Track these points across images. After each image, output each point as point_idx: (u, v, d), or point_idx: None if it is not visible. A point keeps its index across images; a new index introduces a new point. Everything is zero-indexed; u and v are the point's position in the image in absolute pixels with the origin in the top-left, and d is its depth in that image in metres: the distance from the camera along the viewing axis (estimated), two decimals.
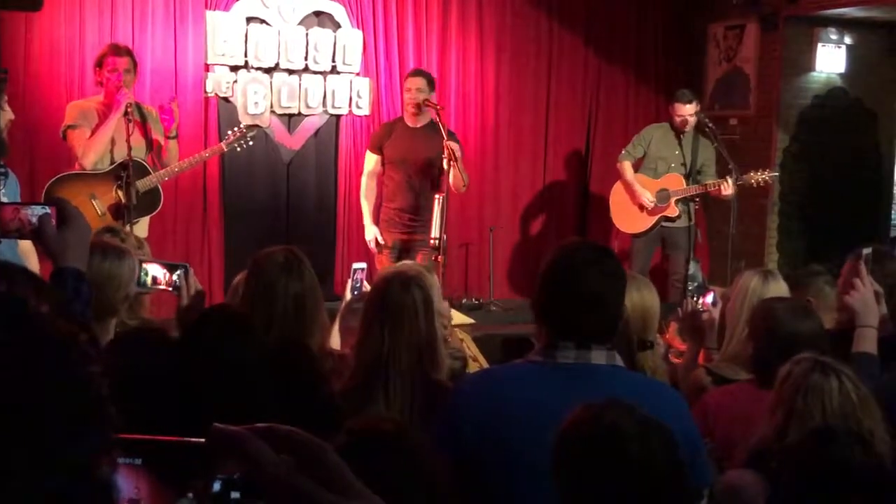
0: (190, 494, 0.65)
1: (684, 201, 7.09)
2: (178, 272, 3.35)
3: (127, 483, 0.66)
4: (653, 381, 2.34)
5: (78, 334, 0.66)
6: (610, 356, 2.25)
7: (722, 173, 6.97)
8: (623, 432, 1.74)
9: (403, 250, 6.27)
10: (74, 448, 0.62)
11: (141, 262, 3.32)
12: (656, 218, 7.11)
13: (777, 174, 6.92)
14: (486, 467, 2.17)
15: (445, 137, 5.87)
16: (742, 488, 2.26)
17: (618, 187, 7.35)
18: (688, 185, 7.04)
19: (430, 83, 6.35)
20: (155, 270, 3.36)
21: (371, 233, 6.31)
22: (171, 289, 3.37)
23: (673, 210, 7.07)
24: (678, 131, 7.08)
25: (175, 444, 0.67)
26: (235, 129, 6.06)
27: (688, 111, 6.99)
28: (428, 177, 6.21)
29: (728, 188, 6.74)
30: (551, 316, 2.28)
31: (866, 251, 3.34)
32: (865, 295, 3.21)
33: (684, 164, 7.08)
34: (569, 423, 1.81)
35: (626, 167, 7.22)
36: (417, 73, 6.48)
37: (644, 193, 7.07)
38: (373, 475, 1.57)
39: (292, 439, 0.64)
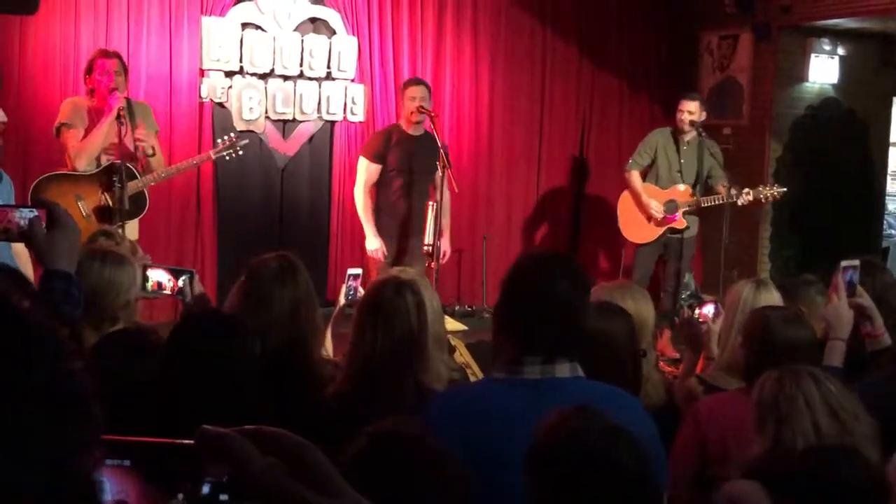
0: (180, 496, 0.65)
1: (693, 213, 7.08)
2: (184, 278, 3.34)
3: (115, 484, 0.66)
4: (615, 389, 2.33)
5: (59, 331, 0.66)
6: (573, 368, 2.21)
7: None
8: (587, 437, 1.74)
9: (397, 257, 6.30)
10: (55, 445, 0.62)
11: (146, 267, 3.31)
12: (663, 229, 7.09)
13: (784, 189, 6.92)
14: None
15: (440, 146, 5.90)
16: (743, 499, 2.26)
17: (625, 196, 7.31)
18: (695, 193, 7.03)
19: (429, 92, 6.40)
20: (158, 276, 3.34)
21: (376, 244, 6.28)
22: (175, 294, 3.35)
23: (681, 223, 7.04)
24: (679, 132, 7.05)
25: (163, 446, 0.67)
26: (226, 137, 6.06)
27: (688, 107, 6.94)
28: (426, 184, 6.27)
29: (744, 200, 6.76)
30: (516, 329, 2.23)
31: (845, 263, 3.35)
32: (839, 308, 3.23)
33: (691, 172, 7.05)
34: (539, 429, 1.82)
35: (635, 176, 7.17)
36: (420, 81, 6.51)
37: (651, 203, 7.04)
38: (395, 477, 1.58)
39: (280, 440, 0.64)
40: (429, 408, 2.29)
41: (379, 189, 6.37)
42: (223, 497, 0.64)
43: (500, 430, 2.14)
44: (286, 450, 0.63)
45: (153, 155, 5.55)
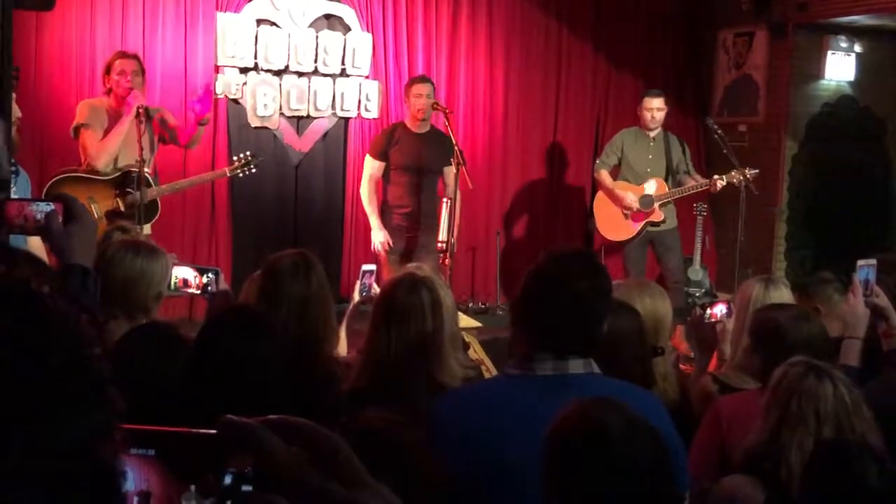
0: (192, 487, 0.65)
1: (668, 204, 7.13)
2: (209, 275, 3.35)
3: (139, 474, 0.66)
4: (630, 385, 2.31)
5: (78, 316, 0.67)
6: (587, 364, 2.21)
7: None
8: (610, 431, 1.73)
9: (406, 254, 6.32)
10: (74, 431, 0.62)
11: (172, 265, 3.32)
12: (641, 224, 7.12)
13: (756, 171, 6.92)
14: (470, 486, 2.11)
15: (455, 143, 5.90)
16: (738, 494, 2.26)
17: (600, 197, 7.37)
18: (668, 185, 7.07)
19: (434, 90, 6.43)
20: (184, 273, 3.35)
21: (380, 237, 6.33)
22: (200, 292, 3.36)
23: (658, 215, 7.08)
24: (647, 129, 7.09)
25: (187, 436, 0.67)
26: (241, 155, 6.10)
27: (655, 105, 7.02)
28: (433, 181, 6.29)
29: (715, 186, 6.83)
30: (530, 325, 2.22)
31: (861, 262, 3.35)
32: (856, 307, 3.23)
33: (660, 167, 7.11)
34: (559, 420, 1.80)
35: (604, 175, 7.24)
36: (426, 79, 6.55)
37: (626, 195, 7.08)
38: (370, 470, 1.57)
39: (304, 431, 0.64)
40: (440, 404, 2.28)
41: (385, 186, 6.42)
42: (246, 488, 0.64)
43: (511, 426, 2.13)
44: (311, 441, 0.63)
45: (206, 122, 5.77)
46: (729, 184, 6.84)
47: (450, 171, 6.30)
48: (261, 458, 0.61)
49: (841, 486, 1.93)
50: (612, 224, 7.27)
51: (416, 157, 6.23)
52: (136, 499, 0.66)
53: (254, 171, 6.12)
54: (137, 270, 3.02)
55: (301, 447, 0.63)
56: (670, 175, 7.13)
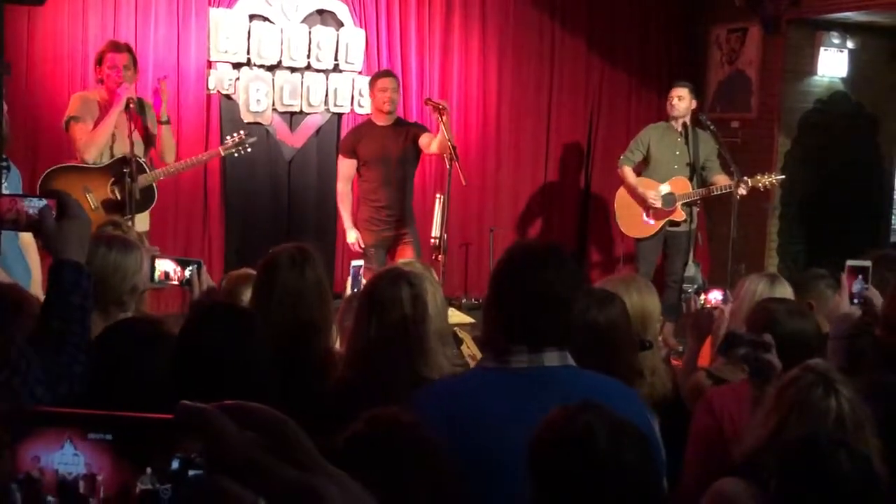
0: (149, 470, 0.65)
1: (690, 204, 7.08)
2: (191, 268, 3.36)
3: (91, 458, 0.66)
4: (607, 379, 2.30)
5: None
6: (562, 357, 2.19)
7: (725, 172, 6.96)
8: (595, 435, 1.72)
9: (386, 247, 6.34)
10: None
11: (153, 257, 3.33)
12: (662, 222, 7.08)
13: (783, 177, 6.88)
14: None
15: (448, 137, 5.90)
16: (733, 497, 2.25)
17: (622, 192, 7.31)
18: (693, 184, 7.02)
19: (398, 84, 6.47)
20: (165, 266, 3.36)
21: (351, 236, 6.39)
22: (181, 284, 3.37)
23: (679, 214, 7.02)
24: (671, 119, 7.04)
25: (144, 421, 0.67)
26: (235, 134, 6.08)
27: (674, 93, 6.99)
28: (403, 171, 6.33)
29: (741, 191, 6.71)
30: (504, 318, 2.21)
31: (850, 263, 3.37)
32: (837, 307, 3.25)
33: (687, 164, 7.04)
34: (544, 424, 1.79)
35: (627, 172, 7.17)
36: (389, 73, 6.58)
37: (648, 193, 7.01)
38: (387, 464, 1.58)
39: (258, 416, 0.64)
40: (418, 396, 2.28)
41: (359, 182, 6.44)
42: (192, 472, 0.64)
43: (485, 419, 2.12)
44: (265, 425, 0.63)
45: (167, 122, 5.68)
46: (754, 188, 6.76)
47: (425, 137, 6.26)
48: (211, 441, 0.61)
49: (815, 476, 1.92)
50: (632, 221, 7.22)
51: (382, 149, 6.26)
52: (81, 483, 0.66)
53: (249, 150, 6.10)
54: (110, 264, 3.02)
55: (256, 431, 0.63)
56: (696, 173, 7.03)
